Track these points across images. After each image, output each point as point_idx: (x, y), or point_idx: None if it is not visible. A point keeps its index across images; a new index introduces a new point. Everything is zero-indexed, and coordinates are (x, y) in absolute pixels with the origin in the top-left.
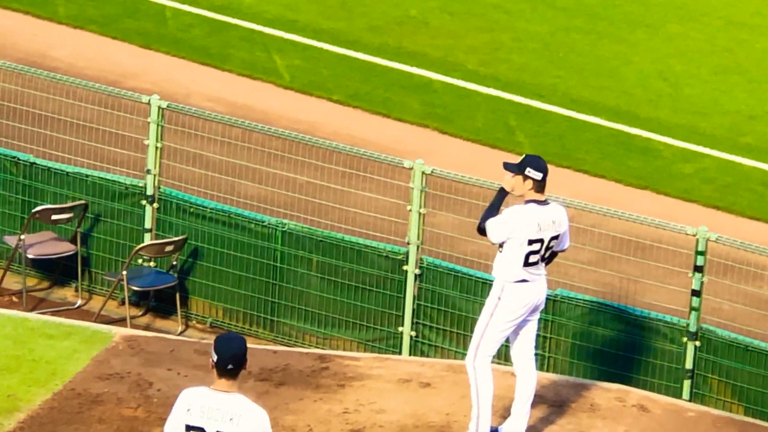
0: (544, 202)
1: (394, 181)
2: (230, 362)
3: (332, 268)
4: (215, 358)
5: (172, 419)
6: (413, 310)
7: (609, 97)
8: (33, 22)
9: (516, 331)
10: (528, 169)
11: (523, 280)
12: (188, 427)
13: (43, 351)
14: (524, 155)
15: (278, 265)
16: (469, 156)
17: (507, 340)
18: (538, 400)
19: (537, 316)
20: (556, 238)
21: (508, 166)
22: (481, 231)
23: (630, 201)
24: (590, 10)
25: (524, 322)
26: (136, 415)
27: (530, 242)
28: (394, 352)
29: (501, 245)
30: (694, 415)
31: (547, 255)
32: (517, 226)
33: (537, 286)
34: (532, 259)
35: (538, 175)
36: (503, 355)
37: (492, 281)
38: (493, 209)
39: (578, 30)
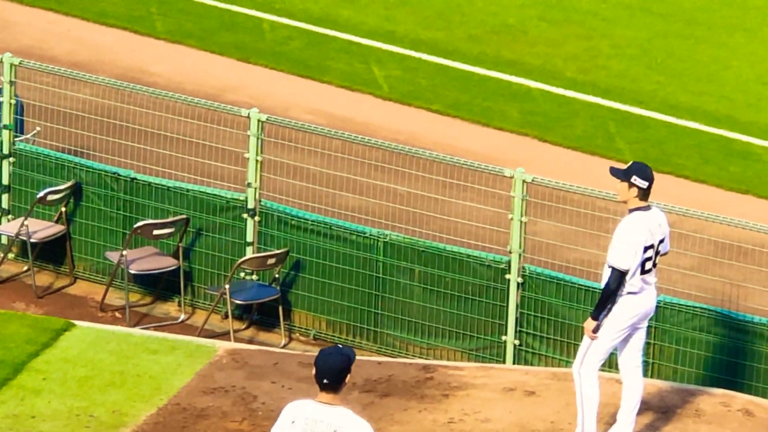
0: (647, 208)
1: (494, 190)
2: (324, 376)
3: (434, 278)
4: (314, 371)
5: (276, 430)
6: (516, 318)
7: (708, 102)
8: (131, 38)
9: (626, 339)
10: (634, 176)
11: (633, 292)
12: None
13: (147, 366)
14: (631, 162)
15: (380, 276)
16: (570, 163)
17: (614, 348)
18: (644, 406)
19: (645, 323)
20: (662, 241)
21: (614, 171)
22: (617, 280)
23: (731, 205)
24: (688, 15)
25: (634, 330)
26: (241, 429)
27: (645, 249)
28: (497, 361)
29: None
30: None
31: (657, 260)
32: (638, 238)
33: (647, 296)
34: (648, 266)
35: (644, 184)
36: (608, 362)
37: (595, 288)
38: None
39: (676, 35)
